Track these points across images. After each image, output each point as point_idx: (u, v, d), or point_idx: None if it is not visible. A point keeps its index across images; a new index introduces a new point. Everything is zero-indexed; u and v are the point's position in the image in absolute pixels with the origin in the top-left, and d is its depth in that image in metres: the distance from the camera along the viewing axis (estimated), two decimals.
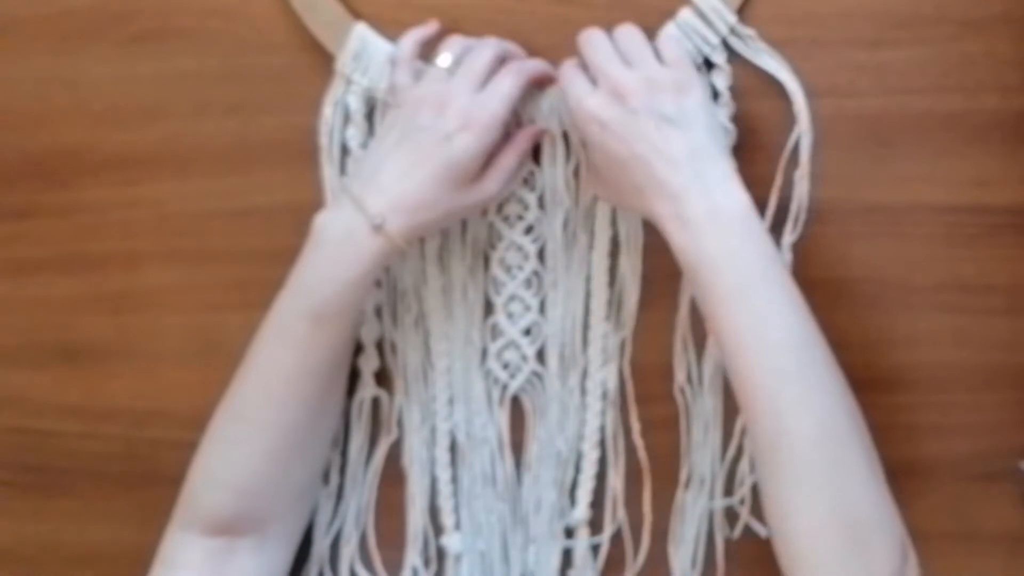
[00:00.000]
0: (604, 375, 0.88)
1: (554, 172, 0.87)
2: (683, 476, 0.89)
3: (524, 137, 0.85)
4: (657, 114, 0.78)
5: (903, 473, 0.87)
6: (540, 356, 0.89)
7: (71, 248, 0.92)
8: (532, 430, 0.90)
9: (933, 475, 0.88)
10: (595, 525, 0.90)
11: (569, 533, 0.90)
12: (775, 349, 0.75)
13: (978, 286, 0.85)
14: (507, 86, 0.81)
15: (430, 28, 0.85)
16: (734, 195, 0.77)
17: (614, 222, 0.87)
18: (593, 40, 0.82)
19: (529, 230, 0.88)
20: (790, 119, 0.84)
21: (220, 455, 0.84)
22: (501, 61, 0.83)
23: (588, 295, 0.88)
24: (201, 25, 0.89)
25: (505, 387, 0.90)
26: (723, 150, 0.80)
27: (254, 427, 0.83)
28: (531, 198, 0.87)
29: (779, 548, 0.75)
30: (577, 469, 0.90)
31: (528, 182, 0.87)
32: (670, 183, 0.77)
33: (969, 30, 0.82)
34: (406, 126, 0.81)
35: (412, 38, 0.85)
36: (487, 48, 0.83)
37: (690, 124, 0.78)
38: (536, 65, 0.84)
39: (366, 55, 0.86)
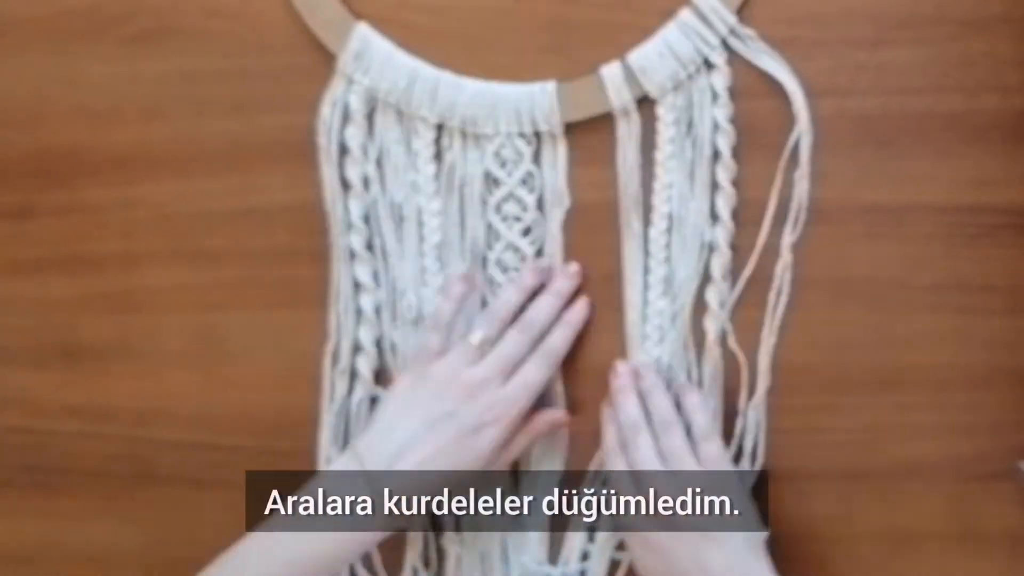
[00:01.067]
0: (661, 349, 0.88)
1: (554, 174, 0.87)
2: None
3: (541, 423, 0.87)
4: (697, 528, 0.79)
5: (903, 473, 0.87)
6: None
7: (71, 248, 0.92)
8: None
9: (933, 475, 0.87)
10: None
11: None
12: None
13: (978, 286, 0.85)
14: (535, 378, 0.84)
15: (467, 285, 0.87)
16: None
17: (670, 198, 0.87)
18: (633, 441, 0.83)
19: (527, 232, 0.88)
20: (790, 119, 0.84)
21: None
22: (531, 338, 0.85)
23: None
24: (201, 25, 0.89)
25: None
26: (760, 551, 0.81)
27: None
28: (530, 199, 0.87)
29: None
30: None
31: (527, 183, 0.87)
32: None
33: (969, 30, 0.82)
34: (432, 407, 0.82)
35: (452, 299, 0.86)
36: (523, 335, 0.85)
37: (728, 536, 0.79)
38: (563, 343, 0.86)
39: (368, 55, 0.86)
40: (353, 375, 0.90)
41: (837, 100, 0.84)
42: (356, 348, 0.90)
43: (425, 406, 0.83)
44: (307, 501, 0.81)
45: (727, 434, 0.88)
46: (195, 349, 0.92)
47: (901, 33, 0.83)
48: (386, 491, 0.80)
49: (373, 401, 0.91)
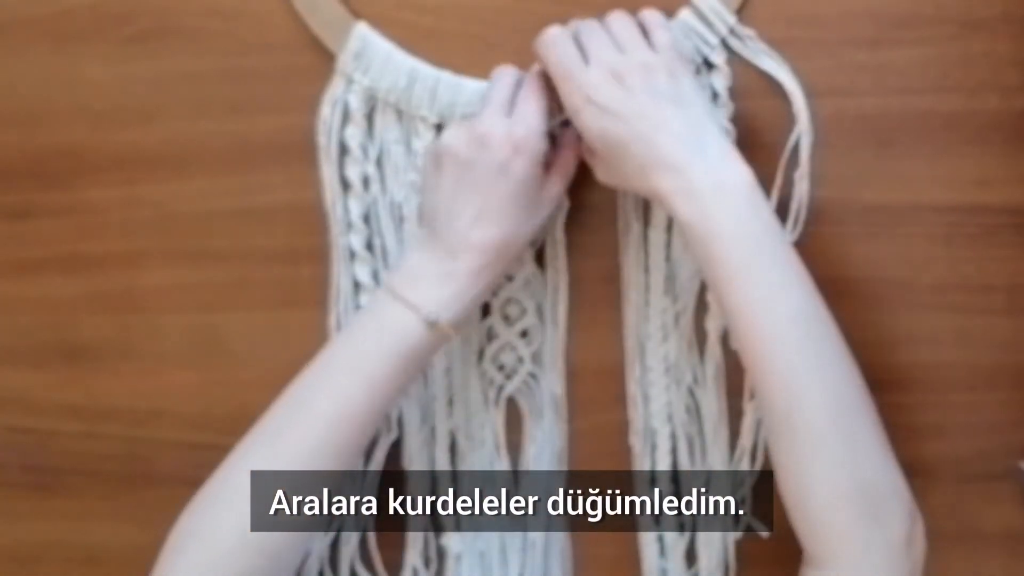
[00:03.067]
0: (666, 350, 0.88)
1: None
2: (701, 478, 0.89)
3: (572, 136, 0.84)
4: (654, 92, 0.78)
5: (903, 473, 0.87)
6: (536, 358, 0.89)
7: (71, 248, 0.92)
8: (529, 432, 0.90)
9: (933, 475, 0.88)
10: None
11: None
12: (787, 322, 0.76)
13: (978, 286, 0.85)
14: (536, 100, 0.82)
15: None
16: (738, 168, 0.77)
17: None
18: (586, 27, 0.82)
19: None
20: (790, 119, 0.84)
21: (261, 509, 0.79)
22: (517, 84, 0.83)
23: None
24: (201, 25, 0.89)
25: (501, 389, 0.90)
26: (721, 129, 0.81)
27: (304, 478, 0.80)
28: None
29: (797, 521, 0.77)
30: (653, 446, 0.89)
31: None
32: (674, 156, 0.77)
33: (969, 30, 0.82)
34: (457, 169, 0.81)
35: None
36: (503, 76, 0.83)
37: (688, 102, 0.78)
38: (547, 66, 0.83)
39: (367, 54, 0.86)
40: None
41: (837, 100, 0.84)
42: None
43: (450, 171, 0.81)
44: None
45: (732, 433, 0.88)
46: (195, 349, 0.92)
47: (901, 33, 0.83)
48: (459, 252, 0.80)
49: None
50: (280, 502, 0.78)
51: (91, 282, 0.92)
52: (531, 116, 0.81)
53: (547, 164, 0.83)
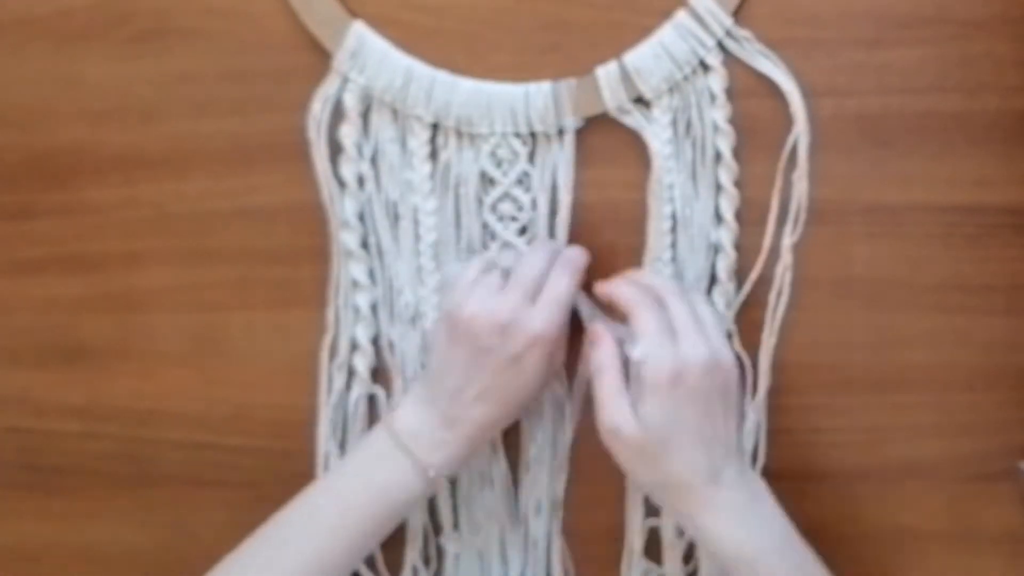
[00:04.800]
0: None
1: (550, 175, 0.87)
2: None
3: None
4: (729, 400, 0.79)
5: (903, 473, 0.87)
6: None
7: (71, 248, 0.92)
8: (528, 432, 0.90)
9: (933, 475, 0.88)
10: None
11: None
12: None
13: (978, 286, 0.85)
14: (563, 291, 0.82)
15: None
16: (759, 481, 0.81)
17: (672, 198, 0.86)
18: (646, 313, 0.80)
19: (523, 231, 0.88)
20: (789, 119, 0.84)
21: None
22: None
23: None
24: (201, 25, 0.89)
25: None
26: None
27: None
28: (525, 199, 0.87)
29: None
30: None
31: (523, 183, 0.87)
32: (728, 469, 0.79)
33: (969, 30, 0.82)
34: (472, 348, 0.81)
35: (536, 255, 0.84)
36: (537, 254, 0.83)
37: (739, 412, 0.81)
38: (579, 255, 0.85)
39: (363, 53, 0.86)
40: (351, 373, 0.90)
41: (836, 100, 0.84)
42: (353, 346, 0.90)
43: (463, 348, 0.81)
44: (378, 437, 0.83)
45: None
46: (195, 349, 0.92)
47: (901, 33, 0.83)
48: (458, 426, 0.82)
49: (370, 399, 0.91)
50: None
51: (91, 282, 0.92)
52: (556, 306, 0.81)
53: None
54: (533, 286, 0.82)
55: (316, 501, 0.83)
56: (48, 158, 0.91)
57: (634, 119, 0.85)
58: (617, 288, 0.82)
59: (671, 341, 0.78)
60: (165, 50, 0.89)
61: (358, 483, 0.83)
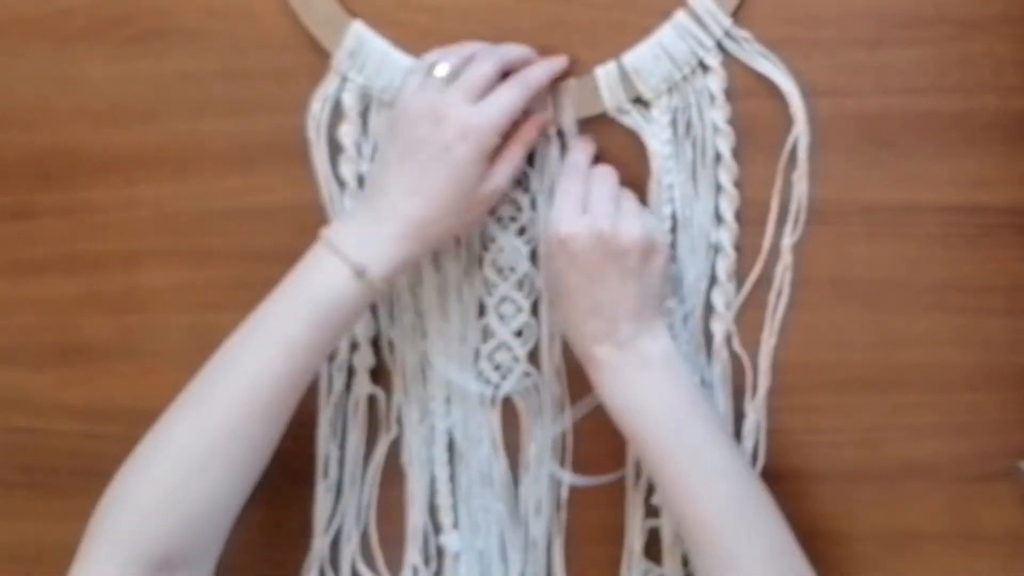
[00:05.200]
0: None
1: (549, 174, 0.87)
2: None
3: (530, 127, 0.85)
4: (625, 268, 0.80)
5: (903, 473, 0.87)
6: (532, 357, 0.89)
7: (71, 248, 0.92)
8: (528, 431, 0.90)
9: (933, 475, 0.87)
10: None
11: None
12: (718, 478, 0.80)
13: (978, 286, 0.85)
14: (507, 99, 0.81)
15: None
16: (661, 342, 0.82)
17: (672, 199, 0.86)
18: (601, 175, 0.83)
19: (522, 232, 0.88)
20: (789, 119, 0.83)
21: (179, 476, 0.78)
22: (504, 73, 0.83)
23: None
24: (201, 25, 0.89)
25: (497, 388, 0.90)
26: (663, 302, 0.85)
27: (228, 441, 0.79)
28: (524, 200, 0.87)
29: None
30: None
31: (522, 183, 0.87)
32: (617, 333, 0.80)
33: (969, 30, 0.82)
34: (406, 139, 0.81)
35: (440, 55, 0.84)
36: (487, 61, 0.82)
37: (649, 283, 0.81)
38: (540, 73, 0.84)
39: (362, 53, 0.86)
40: (350, 373, 0.90)
41: (836, 100, 0.84)
42: (352, 346, 0.90)
43: (397, 143, 0.81)
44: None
45: (735, 435, 0.88)
46: (195, 349, 0.91)
47: (901, 33, 0.83)
48: (384, 225, 0.80)
49: (370, 400, 0.91)
50: (202, 468, 0.78)
51: (91, 282, 0.92)
52: (497, 110, 0.81)
53: (494, 157, 0.83)
54: (478, 89, 0.81)
55: (256, 322, 0.82)
56: (48, 158, 0.91)
57: (633, 119, 0.85)
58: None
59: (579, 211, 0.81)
60: (165, 50, 0.89)
61: (297, 297, 0.81)
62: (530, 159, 0.86)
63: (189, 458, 0.78)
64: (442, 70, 0.82)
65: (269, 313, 0.81)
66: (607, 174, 0.84)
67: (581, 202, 0.81)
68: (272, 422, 0.81)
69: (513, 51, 0.84)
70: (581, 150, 0.85)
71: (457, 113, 0.80)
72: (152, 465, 0.79)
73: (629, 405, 0.81)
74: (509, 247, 0.88)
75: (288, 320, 0.81)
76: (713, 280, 0.86)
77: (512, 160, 0.83)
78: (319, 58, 0.87)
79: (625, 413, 0.81)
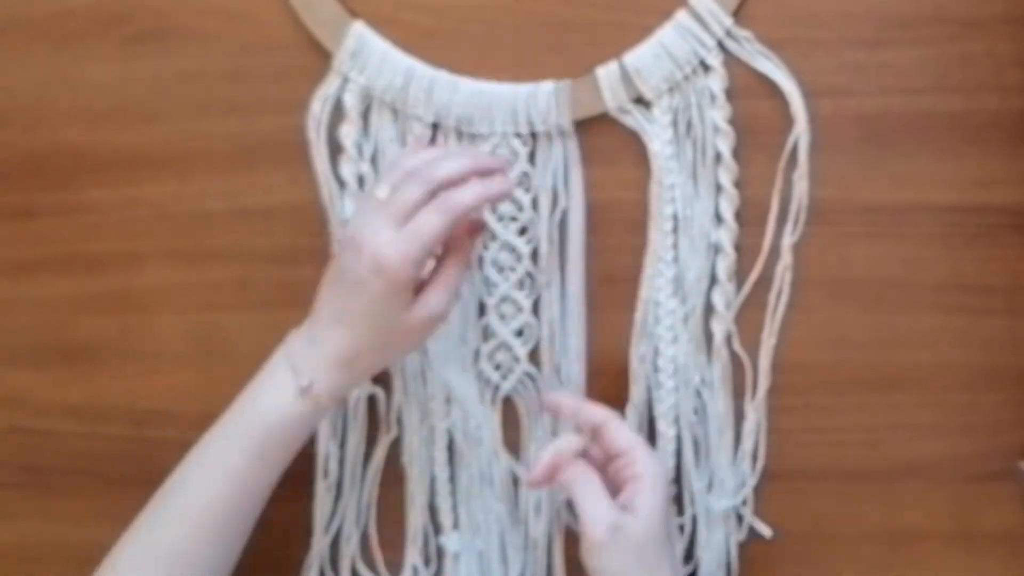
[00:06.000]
0: (675, 351, 0.88)
1: (550, 175, 0.87)
2: (705, 479, 0.89)
3: (460, 241, 0.81)
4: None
5: (903, 473, 0.87)
6: (533, 357, 0.89)
7: (71, 248, 0.92)
8: (528, 431, 0.90)
9: (933, 475, 0.88)
10: None
11: None
12: None
13: (978, 286, 0.85)
14: (424, 228, 0.76)
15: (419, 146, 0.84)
16: None
17: (673, 199, 0.86)
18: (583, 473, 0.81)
19: (523, 231, 0.88)
20: (789, 119, 0.84)
21: None
22: (434, 193, 0.78)
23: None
24: (201, 25, 0.89)
25: (497, 388, 0.90)
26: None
27: (184, 569, 0.80)
28: (525, 199, 0.87)
29: None
30: (657, 447, 0.89)
31: (522, 183, 0.87)
32: None
33: (969, 30, 0.82)
34: (339, 264, 0.80)
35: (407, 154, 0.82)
36: (417, 184, 0.77)
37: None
38: (468, 197, 0.77)
39: (364, 53, 0.86)
40: None
41: (837, 100, 0.84)
42: None
43: (334, 267, 0.80)
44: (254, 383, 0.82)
45: (736, 436, 0.88)
46: (195, 349, 0.92)
47: (901, 33, 0.83)
48: (305, 362, 0.79)
49: (369, 398, 0.91)
50: None
51: (91, 282, 0.92)
52: (415, 240, 0.76)
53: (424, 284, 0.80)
54: (403, 214, 0.77)
55: (205, 446, 0.82)
56: (48, 158, 0.91)
57: (634, 119, 0.85)
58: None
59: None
60: (165, 50, 0.89)
61: (244, 420, 0.81)
62: (531, 158, 0.86)
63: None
64: (382, 191, 0.78)
65: (216, 436, 0.82)
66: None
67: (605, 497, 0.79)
68: (224, 544, 0.81)
69: (449, 168, 0.78)
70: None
71: (372, 245, 0.76)
72: None
73: None
74: (509, 246, 0.88)
75: (232, 449, 0.81)
76: (713, 280, 0.87)
77: (446, 283, 0.80)
78: (320, 58, 0.87)
79: None
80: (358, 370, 0.81)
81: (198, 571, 0.80)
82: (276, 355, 0.82)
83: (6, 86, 0.91)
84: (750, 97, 0.84)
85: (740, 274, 0.86)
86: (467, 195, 0.77)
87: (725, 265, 0.86)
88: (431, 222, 0.76)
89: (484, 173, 0.79)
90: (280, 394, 0.80)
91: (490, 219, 0.87)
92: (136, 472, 0.93)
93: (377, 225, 0.76)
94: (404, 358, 0.88)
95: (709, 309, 0.87)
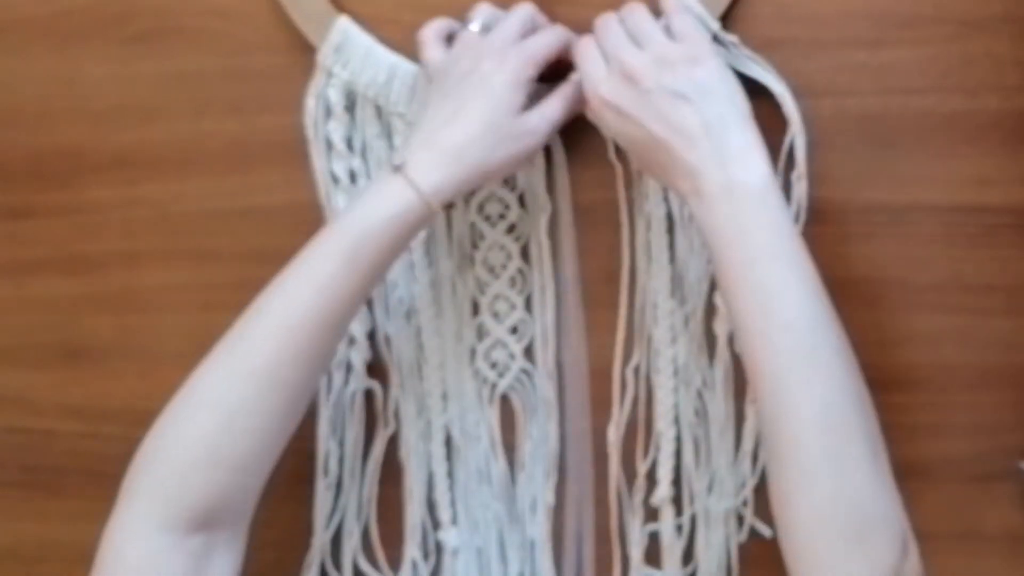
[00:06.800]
0: (674, 352, 0.88)
1: (536, 174, 0.87)
2: (706, 480, 0.89)
3: (570, 87, 0.83)
4: (670, 91, 0.77)
5: (903, 473, 0.87)
6: (528, 353, 0.89)
7: (71, 248, 0.92)
8: (524, 429, 0.90)
9: (933, 475, 0.88)
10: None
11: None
12: (781, 329, 0.74)
13: (978, 286, 0.85)
14: (543, 39, 0.82)
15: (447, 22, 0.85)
16: (752, 168, 0.76)
17: (667, 199, 0.86)
18: (603, 24, 0.81)
19: (511, 229, 0.88)
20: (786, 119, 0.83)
21: (218, 425, 0.77)
22: (531, 30, 0.83)
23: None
24: (201, 25, 0.89)
25: (494, 386, 0.90)
26: (743, 118, 0.78)
27: (264, 387, 0.77)
28: (511, 197, 0.87)
29: (781, 540, 0.74)
30: (656, 448, 0.89)
31: (507, 182, 0.87)
32: (688, 160, 0.76)
33: (969, 30, 0.82)
34: (447, 82, 0.81)
35: (434, 24, 0.85)
36: (517, 16, 0.83)
37: (704, 97, 0.77)
38: (564, 36, 0.83)
39: (347, 48, 0.86)
40: (348, 368, 0.91)
41: (837, 100, 0.84)
42: (350, 341, 0.90)
43: (437, 87, 0.82)
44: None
45: (736, 437, 0.88)
46: (195, 349, 0.91)
47: (901, 33, 0.83)
48: (417, 156, 0.79)
49: (367, 393, 0.91)
50: (239, 417, 0.77)
51: (91, 282, 0.92)
52: (534, 46, 0.81)
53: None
54: (515, 36, 0.82)
55: (291, 263, 0.80)
56: (48, 158, 0.91)
57: None
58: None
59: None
60: (165, 50, 0.89)
61: (337, 226, 0.80)
62: None
63: (226, 407, 0.77)
64: (476, 25, 0.83)
65: (310, 245, 0.80)
66: (607, 20, 0.82)
67: (602, 56, 0.80)
68: (307, 366, 0.79)
69: (536, 14, 0.84)
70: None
71: (496, 47, 0.81)
72: (188, 417, 0.78)
73: (706, 234, 0.77)
74: (499, 245, 0.88)
75: (318, 258, 0.79)
76: (714, 282, 0.86)
77: (550, 109, 0.82)
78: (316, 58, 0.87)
79: (705, 242, 0.78)
80: (464, 164, 0.80)
81: (285, 391, 0.78)
82: (381, 175, 0.81)
83: (6, 86, 0.91)
84: (748, 97, 0.84)
85: None
86: (565, 32, 0.83)
87: None
88: (547, 37, 0.82)
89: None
90: (383, 196, 0.79)
91: (477, 219, 0.88)
92: None
93: (491, 42, 0.81)
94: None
95: (710, 310, 0.87)
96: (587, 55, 0.81)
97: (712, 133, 0.76)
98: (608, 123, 0.80)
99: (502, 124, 0.80)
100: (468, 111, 0.79)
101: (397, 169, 0.79)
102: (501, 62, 0.80)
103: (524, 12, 0.83)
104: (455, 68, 0.81)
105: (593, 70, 0.80)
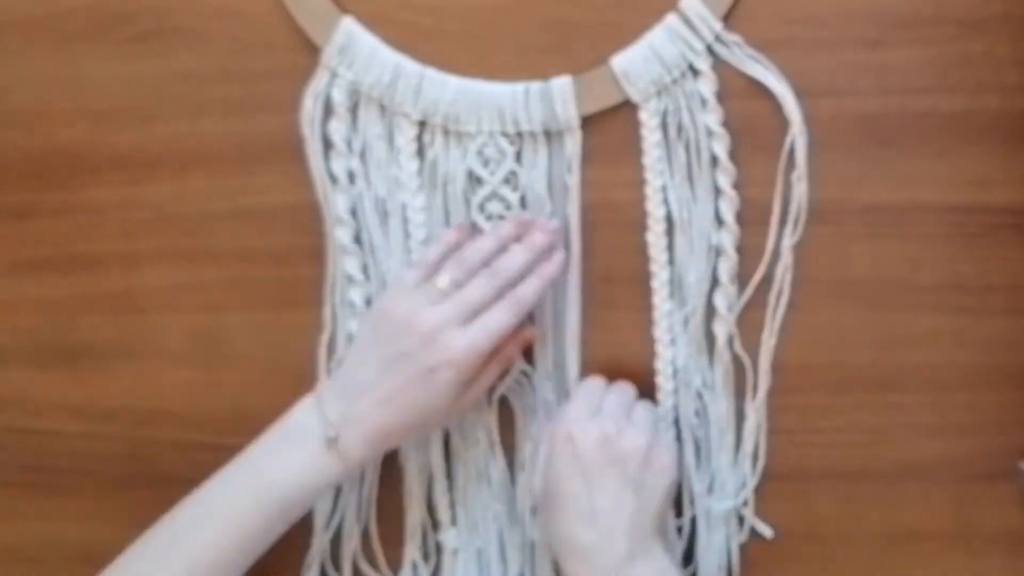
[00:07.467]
0: (673, 353, 0.88)
1: (536, 175, 0.87)
2: (706, 481, 0.89)
3: (513, 347, 0.86)
4: (625, 476, 0.80)
5: (903, 473, 0.87)
6: (527, 355, 0.89)
7: (71, 248, 0.92)
8: (523, 430, 0.90)
9: (933, 475, 0.87)
10: None
11: None
12: None
13: (978, 286, 0.85)
14: (496, 323, 0.81)
15: (460, 235, 0.86)
16: (654, 565, 0.80)
17: (667, 199, 0.86)
18: (614, 388, 0.86)
19: None
20: (787, 120, 0.83)
21: None
22: (502, 289, 0.82)
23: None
24: (201, 25, 0.89)
25: (493, 387, 0.90)
26: (662, 527, 0.84)
27: None
28: (513, 198, 0.87)
29: None
30: None
31: (510, 182, 0.87)
32: (609, 550, 0.79)
33: (969, 30, 0.82)
34: (389, 348, 0.81)
35: (442, 244, 0.85)
36: (487, 283, 0.82)
37: (648, 498, 0.81)
38: (534, 290, 0.83)
39: (352, 49, 0.86)
40: None
41: (837, 100, 0.84)
42: (349, 341, 0.90)
43: (383, 347, 0.81)
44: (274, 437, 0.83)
45: (736, 437, 0.88)
46: (195, 349, 0.92)
47: (901, 33, 0.82)
48: (345, 432, 0.81)
49: None
50: None
51: (91, 282, 0.92)
52: (486, 335, 0.80)
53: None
54: (471, 309, 0.81)
55: (206, 499, 0.83)
56: (48, 158, 0.91)
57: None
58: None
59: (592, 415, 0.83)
60: (165, 50, 0.89)
61: (259, 475, 0.82)
62: (519, 157, 0.86)
63: None
64: (443, 281, 0.82)
65: (228, 496, 0.83)
66: (624, 388, 0.86)
67: (594, 407, 0.83)
68: None
69: (514, 266, 0.83)
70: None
71: (447, 338, 0.80)
72: None
73: None
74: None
75: (245, 515, 0.81)
76: (715, 282, 0.86)
77: (486, 382, 0.85)
78: (318, 58, 0.87)
79: None
80: (392, 444, 0.84)
81: None
82: (292, 418, 0.83)
83: (6, 86, 0.91)
84: (747, 98, 0.84)
85: (739, 275, 0.86)
86: (530, 290, 0.83)
87: (727, 267, 0.86)
88: (502, 319, 0.81)
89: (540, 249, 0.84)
90: (316, 469, 0.82)
91: (478, 218, 0.87)
92: (136, 472, 0.94)
93: (445, 316, 0.80)
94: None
95: (710, 311, 0.87)
96: (584, 396, 0.84)
97: (636, 531, 0.80)
98: (558, 458, 0.81)
99: (435, 416, 0.82)
100: (405, 402, 0.81)
101: (331, 443, 0.80)
102: (449, 363, 0.79)
103: (487, 285, 0.82)
104: (403, 338, 0.80)
105: (581, 411, 0.83)
